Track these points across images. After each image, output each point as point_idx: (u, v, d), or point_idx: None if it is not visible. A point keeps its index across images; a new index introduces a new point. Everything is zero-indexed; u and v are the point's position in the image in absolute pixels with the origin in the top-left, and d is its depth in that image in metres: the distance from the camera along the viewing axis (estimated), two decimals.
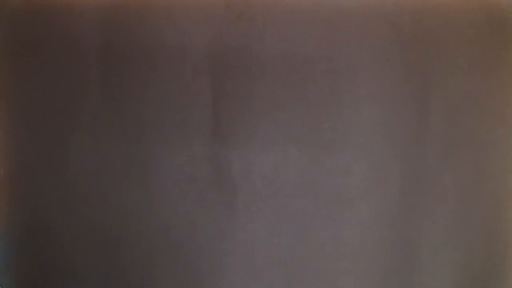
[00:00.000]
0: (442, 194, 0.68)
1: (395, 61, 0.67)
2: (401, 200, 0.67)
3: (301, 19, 0.67)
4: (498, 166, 0.68)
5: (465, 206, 0.68)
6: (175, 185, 0.67)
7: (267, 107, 0.67)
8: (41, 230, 0.70)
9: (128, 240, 0.68)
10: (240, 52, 0.67)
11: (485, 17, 0.67)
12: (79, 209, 0.66)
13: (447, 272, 0.68)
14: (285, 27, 0.67)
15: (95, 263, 0.67)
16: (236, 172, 0.67)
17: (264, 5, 0.67)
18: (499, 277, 0.68)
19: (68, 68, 0.68)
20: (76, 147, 0.67)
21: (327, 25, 0.67)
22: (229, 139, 0.67)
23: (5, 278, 0.66)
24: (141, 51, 0.67)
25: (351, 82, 0.67)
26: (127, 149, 0.67)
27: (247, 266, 0.68)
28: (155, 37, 0.67)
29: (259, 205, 0.67)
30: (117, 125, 0.67)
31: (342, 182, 0.67)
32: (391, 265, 0.68)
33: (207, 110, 0.67)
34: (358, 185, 0.67)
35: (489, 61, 0.67)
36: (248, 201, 0.67)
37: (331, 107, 0.67)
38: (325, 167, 0.67)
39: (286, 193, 0.67)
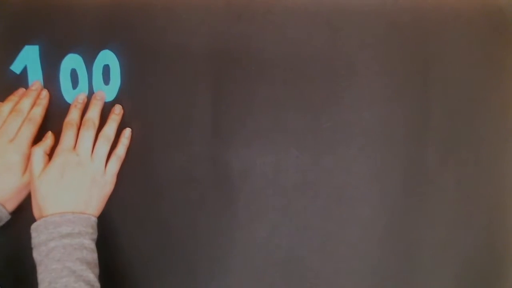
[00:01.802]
0: (442, 194, 0.68)
1: (395, 61, 0.67)
2: (401, 200, 0.67)
3: (301, 19, 0.67)
4: (498, 165, 0.68)
5: (465, 206, 0.68)
6: (175, 185, 0.67)
7: (267, 107, 0.67)
8: None
9: (128, 240, 0.68)
10: (240, 52, 0.67)
11: (485, 17, 0.67)
12: None
13: (447, 272, 0.68)
14: (285, 27, 0.67)
15: None
16: (236, 172, 0.67)
17: (264, 5, 0.67)
18: (499, 277, 0.68)
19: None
20: None
21: (327, 25, 0.67)
22: (229, 139, 0.67)
23: (5, 278, 0.66)
24: (141, 51, 0.67)
25: (351, 82, 0.67)
26: (127, 149, 0.67)
27: (247, 266, 0.68)
28: (155, 37, 0.67)
29: (259, 205, 0.67)
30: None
31: (342, 182, 0.67)
32: (391, 265, 0.68)
33: (207, 110, 0.67)
34: (358, 185, 0.67)
35: (489, 61, 0.67)
36: (248, 201, 0.67)
37: (331, 107, 0.67)
38: (325, 167, 0.67)
39: (286, 193, 0.67)
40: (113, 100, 0.68)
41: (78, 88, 0.67)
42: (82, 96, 0.66)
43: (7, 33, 0.68)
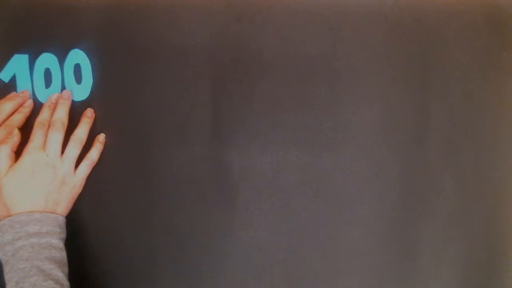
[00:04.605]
0: (442, 194, 0.68)
1: (395, 61, 0.67)
2: (401, 200, 0.67)
3: (301, 19, 0.67)
4: (498, 166, 0.68)
5: (465, 206, 0.68)
6: (175, 185, 0.67)
7: (267, 107, 0.67)
8: None
9: (129, 240, 0.68)
10: (240, 52, 0.67)
11: (485, 17, 0.67)
12: (80, 209, 0.66)
13: (447, 272, 0.68)
14: (285, 27, 0.67)
15: (95, 263, 0.67)
16: (236, 172, 0.67)
17: (264, 5, 0.67)
18: (499, 277, 0.68)
19: None
20: None
21: (327, 25, 0.67)
22: (229, 139, 0.67)
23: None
24: (141, 51, 0.67)
25: (351, 82, 0.67)
26: (127, 149, 0.67)
27: (247, 266, 0.68)
28: (155, 37, 0.67)
29: (259, 205, 0.67)
30: (117, 125, 0.67)
31: (342, 182, 0.67)
32: (391, 265, 0.68)
33: (207, 110, 0.67)
34: (358, 185, 0.67)
35: (489, 61, 0.67)
36: (248, 201, 0.67)
37: (331, 107, 0.67)
38: (325, 167, 0.67)
39: (286, 193, 0.67)
40: (86, 99, 0.68)
41: (51, 87, 0.67)
42: (55, 96, 0.66)
43: None
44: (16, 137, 0.63)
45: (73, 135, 0.65)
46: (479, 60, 0.67)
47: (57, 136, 0.63)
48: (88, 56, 0.67)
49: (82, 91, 0.67)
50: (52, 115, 0.65)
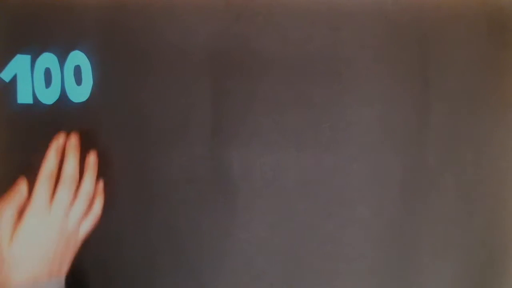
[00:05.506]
0: (442, 194, 0.68)
1: (395, 61, 0.67)
2: (401, 200, 0.67)
3: (302, 19, 0.67)
4: (498, 166, 0.68)
5: (465, 206, 0.68)
6: (175, 185, 0.67)
7: (267, 107, 0.67)
8: None
9: (129, 240, 0.68)
10: (240, 52, 0.67)
11: (485, 17, 0.67)
12: None
13: (447, 272, 0.68)
14: (285, 27, 0.67)
15: (95, 263, 0.67)
16: (236, 172, 0.67)
17: (264, 5, 0.67)
18: (499, 277, 0.68)
19: None
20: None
21: (328, 25, 0.67)
22: (229, 139, 0.67)
23: None
24: (141, 51, 0.67)
25: (351, 82, 0.67)
26: (127, 150, 0.67)
27: (247, 266, 0.68)
28: (155, 37, 0.67)
29: (259, 205, 0.67)
30: (117, 125, 0.67)
31: (342, 182, 0.67)
32: (391, 265, 0.68)
33: (207, 110, 0.67)
34: (358, 185, 0.67)
35: (489, 61, 0.67)
36: (248, 201, 0.67)
37: (331, 107, 0.67)
38: (325, 167, 0.67)
39: (286, 193, 0.67)
40: (86, 100, 0.67)
41: (51, 87, 0.67)
42: (62, 140, 0.62)
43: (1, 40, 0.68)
44: (22, 193, 0.59)
45: (81, 190, 0.61)
46: (479, 60, 0.67)
47: (66, 193, 0.59)
48: (88, 57, 0.67)
49: (82, 93, 0.67)
50: (58, 162, 0.60)
